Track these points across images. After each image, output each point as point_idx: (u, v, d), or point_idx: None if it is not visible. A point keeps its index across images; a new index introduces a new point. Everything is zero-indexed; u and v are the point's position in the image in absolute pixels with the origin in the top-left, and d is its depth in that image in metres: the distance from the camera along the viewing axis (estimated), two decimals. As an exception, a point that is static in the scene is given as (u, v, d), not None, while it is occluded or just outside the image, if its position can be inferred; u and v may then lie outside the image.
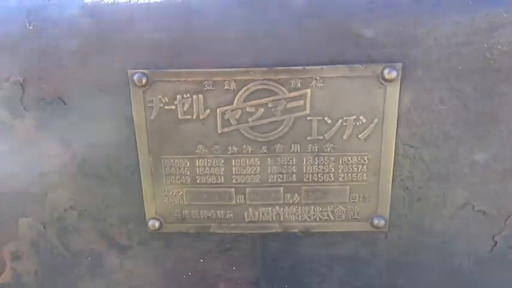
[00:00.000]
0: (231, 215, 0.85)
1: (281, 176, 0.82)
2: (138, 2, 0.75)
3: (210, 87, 0.76)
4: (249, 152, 0.80)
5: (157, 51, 0.76)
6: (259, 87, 0.76)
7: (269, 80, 0.76)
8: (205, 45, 0.75)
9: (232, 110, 0.78)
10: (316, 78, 0.75)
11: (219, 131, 0.79)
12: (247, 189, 0.83)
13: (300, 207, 0.84)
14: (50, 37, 0.76)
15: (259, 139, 0.79)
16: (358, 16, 0.73)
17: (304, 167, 0.81)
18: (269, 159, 0.81)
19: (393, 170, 0.80)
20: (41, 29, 0.76)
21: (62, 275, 0.91)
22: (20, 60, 0.78)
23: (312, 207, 0.84)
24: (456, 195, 0.81)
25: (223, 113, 0.78)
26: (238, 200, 0.84)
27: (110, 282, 0.91)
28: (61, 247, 0.89)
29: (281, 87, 0.76)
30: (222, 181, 0.82)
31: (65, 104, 0.80)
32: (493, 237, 0.84)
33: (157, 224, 0.85)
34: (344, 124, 0.77)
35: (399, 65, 0.73)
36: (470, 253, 0.85)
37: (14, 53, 0.77)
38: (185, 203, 0.84)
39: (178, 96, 0.77)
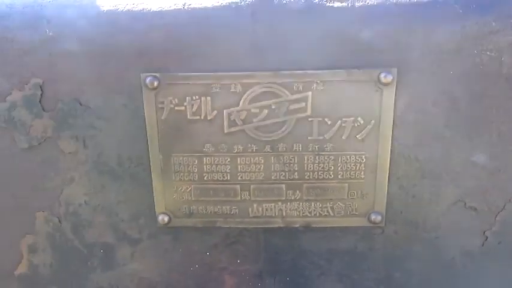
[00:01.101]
0: (236, 211, 0.90)
1: (283, 174, 0.87)
2: (151, 10, 0.80)
3: (218, 90, 0.82)
4: (254, 150, 0.85)
5: (169, 56, 0.81)
6: (264, 89, 0.81)
7: (273, 83, 0.81)
8: (213, 50, 0.80)
9: (238, 111, 0.83)
10: (317, 82, 0.80)
11: (225, 131, 0.84)
12: (252, 186, 0.88)
13: (301, 203, 0.89)
14: (68, 42, 0.82)
15: (263, 139, 0.84)
16: (356, 24, 0.78)
17: (306, 165, 0.86)
18: (272, 157, 0.86)
19: (389, 169, 0.85)
20: (59, 35, 0.82)
21: (76, 267, 0.96)
22: (40, 64, 0.83)
23: (313, 204, 0.88)
24: (448, 193, 0.86)
25: (229, 114, 0.83)
26: (243, 196, 0.89)
27: (121, 274, 0.96)
28: (75, 240, 0.94)
29: (284, 89, 0.81)
30: (228, 178, 0.87)
31: (81, 104, 0.85)
32: (484, 233, 0.88)
33: (166, 219, 0.90)
34: (343, 125, 0.82)
35: (395, 70, 0.78)
36: (462, 247, 0.90)
37: (34, 57, 0.83)
38: (193, 198, 0.89)
39: (187, 97, 0.82)
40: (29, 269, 0.97)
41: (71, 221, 0.93)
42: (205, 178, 0.88)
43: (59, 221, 0.93)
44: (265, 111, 0.82)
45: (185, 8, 0.80)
